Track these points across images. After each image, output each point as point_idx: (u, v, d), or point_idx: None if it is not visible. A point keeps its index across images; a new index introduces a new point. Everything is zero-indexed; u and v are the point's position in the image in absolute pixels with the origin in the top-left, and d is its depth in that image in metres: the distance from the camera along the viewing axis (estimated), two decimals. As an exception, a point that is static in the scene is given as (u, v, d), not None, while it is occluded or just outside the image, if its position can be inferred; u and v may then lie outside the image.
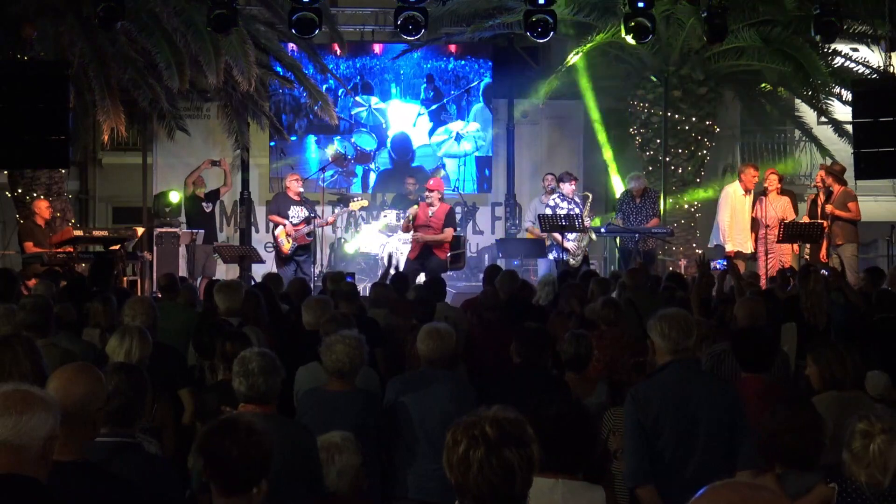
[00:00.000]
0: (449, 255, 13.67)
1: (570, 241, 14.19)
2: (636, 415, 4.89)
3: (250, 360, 4.82)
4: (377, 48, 18.21)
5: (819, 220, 13.70)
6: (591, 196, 14.65)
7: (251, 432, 3.46)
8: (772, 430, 4.45)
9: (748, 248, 14.10)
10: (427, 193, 13.93)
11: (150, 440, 4.78)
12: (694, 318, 7.09)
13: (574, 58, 15.62)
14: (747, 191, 14.14)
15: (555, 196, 14.58)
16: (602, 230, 14.66)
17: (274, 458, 3.56)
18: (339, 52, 17.36)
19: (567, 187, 14.45)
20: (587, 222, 14.20)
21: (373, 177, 18.28)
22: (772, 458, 4.45)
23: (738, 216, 14.15)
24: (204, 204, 15.38)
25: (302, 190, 14.73)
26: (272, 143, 17.80)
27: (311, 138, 18.08)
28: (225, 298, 7.71)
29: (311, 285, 12.46)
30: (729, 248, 14.05)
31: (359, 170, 18.24)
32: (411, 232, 14.01)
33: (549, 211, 14.25)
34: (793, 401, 4.71)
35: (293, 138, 17.73)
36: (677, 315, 5.06)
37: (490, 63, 18.27)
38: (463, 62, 18.30)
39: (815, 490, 4.18)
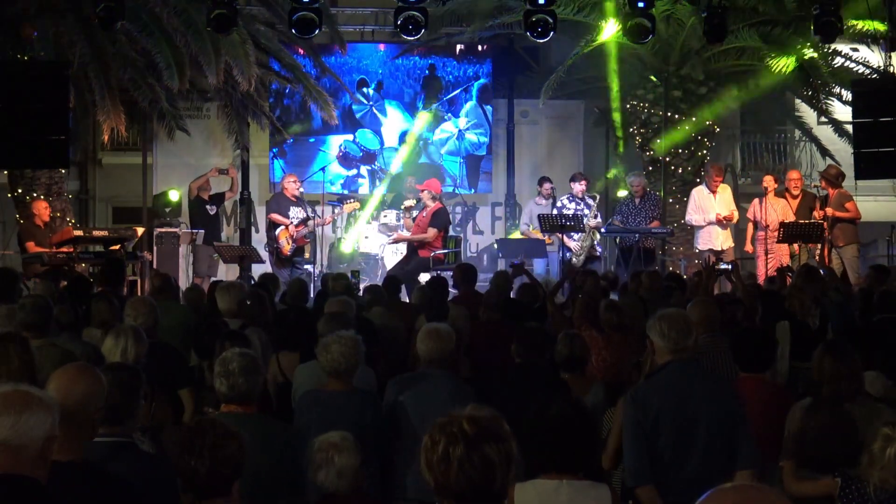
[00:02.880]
0: (433, 254, 13.67)
1: (575, 240, 14.27)
2: (636, 415, 4.89)
3: (231, 360, 4.83)
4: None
5: (819, 220, 13.76)
6: (598, 197, 14.77)
7: (217, 449, 3.46)
8: (806, 434, 4.46)
9: (718, 244, 14.32)
10: (419, 194, 13.97)
11: (143, 439, 4.77)
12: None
13: (573, 58, 15.63)
14: (712, 190, 14.46)
15: (564, 197, 14.69)
16: (602, 230, 14.69)
17: (250, 458, 3.57)
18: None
19: (577, 187, 14.55)
20: (594, 221, 14.31)
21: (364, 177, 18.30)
22: (801, 460, 4.46)
23: (706, 215, 14.42)
24: (208, 206, 15.38)
25: (303, 190, 14.73)
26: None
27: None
28: (226, 299, 7.71)
29: (311, 286, 12.47)
30: (707, 246, 14.38)
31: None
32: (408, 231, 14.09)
33: (555, 211, 14.36)
34: (830, 407, 4.71)
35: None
36: (677, 315, 5.07)
37: (454, 60, 18.22)
38: (427, 61, 18.22)
39: (821, 480, 4.20)
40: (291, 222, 14.29)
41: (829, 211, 13.75)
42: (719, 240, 14.38)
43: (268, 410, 5.77)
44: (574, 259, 14.19)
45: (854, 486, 4.13)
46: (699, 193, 14.60)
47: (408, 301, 10.36)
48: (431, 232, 13.67)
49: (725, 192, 14.66)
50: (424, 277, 12.48)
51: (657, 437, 4.86)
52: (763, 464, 5.06)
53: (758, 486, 2.15)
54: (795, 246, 13.84)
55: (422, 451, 2.81)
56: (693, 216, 14.64)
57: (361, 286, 11.45)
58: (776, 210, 13.97)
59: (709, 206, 14.44)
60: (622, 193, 15.47)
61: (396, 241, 13.89)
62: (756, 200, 14.24)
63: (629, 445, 4.91)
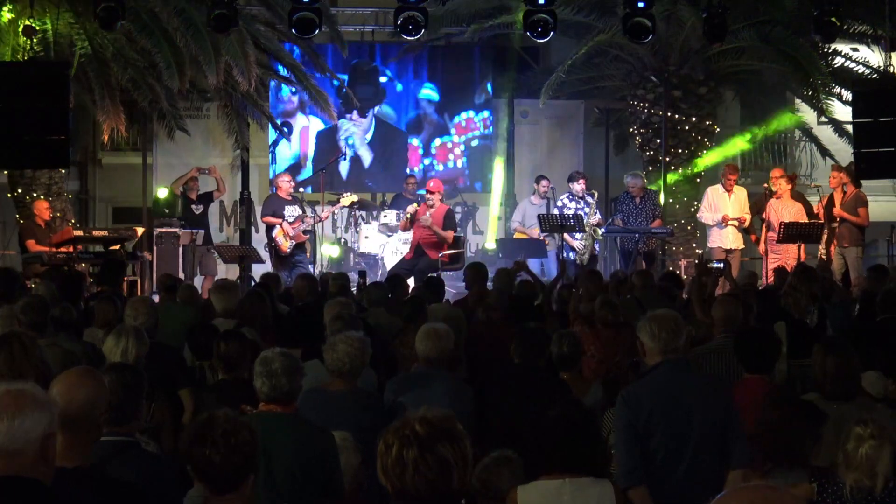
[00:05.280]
0: (441, 255, 13.66)
1: (578, 240, 14.27)
2: (627, 416, 4.89)
3: (273, 360, 4.80)
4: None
5: (821, 221, 13.74)
6: (596, 194, 14.78)
7: (230, 436, 3.45)
8: (758, 427, 4.46)
9: (728, 243, 14.32)
10: (428, 195, 13.94)
11: (147, 441, 4.78)
12: (696, 317, 7.15)
13: (573, 58, 15.62)
14: (727, 189, 14.48)
15: (564, 196, 14.69)
16: (602, 230, 14.69)
17: (284, 452, 3.56)
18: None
19: (577, 186, 14.55)
20: (596, 219, 14.32)
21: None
22: (759, 455, 4.46)
23: (717, 214, 14.45)
24: (193, 206, 15.38)
25: (302, 190, 14.71)
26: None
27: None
28: (221, 299, 7.69)
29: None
30: (717, 244, 14.39)
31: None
32: (409, 231, 14.04)
33: (555, 211, 14.36)
34: (780, 398, 4.72)
35: None
36: (667, 316, 5.06)
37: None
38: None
39: (797, 486, 4.20)
40: (286, 220, 14.27)
41: (837, 211, 13.71)
42: (729, 239, 14.38)
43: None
44: (578, 259, 14.19)
45: (830, 488, 4.13)
46: (714, 192, 14.58)
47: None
48: (450, 234, 13.73)
49: (741, 193, 14.64)
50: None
51: (649, 438, 4.85)
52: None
53: (773, 486, 2.16)
54: (803, 250, 13.79)
55: (377, 456, 2.79)
56: (705, 214, 14.61)
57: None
58: (788, 212, 13.87)
59: (722, 204, 14.43)
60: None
61: (426, 226, 13.71)
62: (770, 202, 14.22)
63: (621, 446, 4.90)
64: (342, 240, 16.84)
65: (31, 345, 4.98)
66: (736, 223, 14.40)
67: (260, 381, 4.79)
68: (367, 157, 18.38)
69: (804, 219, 13.88)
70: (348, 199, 15.37)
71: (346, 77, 17.92)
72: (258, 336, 7.13)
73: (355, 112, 18.13)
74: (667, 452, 4.85)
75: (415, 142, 18.50)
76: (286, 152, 18.07)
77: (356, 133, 18.29)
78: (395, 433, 2.77)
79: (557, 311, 8.44)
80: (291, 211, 14.38)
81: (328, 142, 18.17)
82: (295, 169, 17.70)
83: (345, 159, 17.96)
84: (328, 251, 16.38)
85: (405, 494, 2.76)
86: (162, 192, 15.71)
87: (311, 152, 18.12)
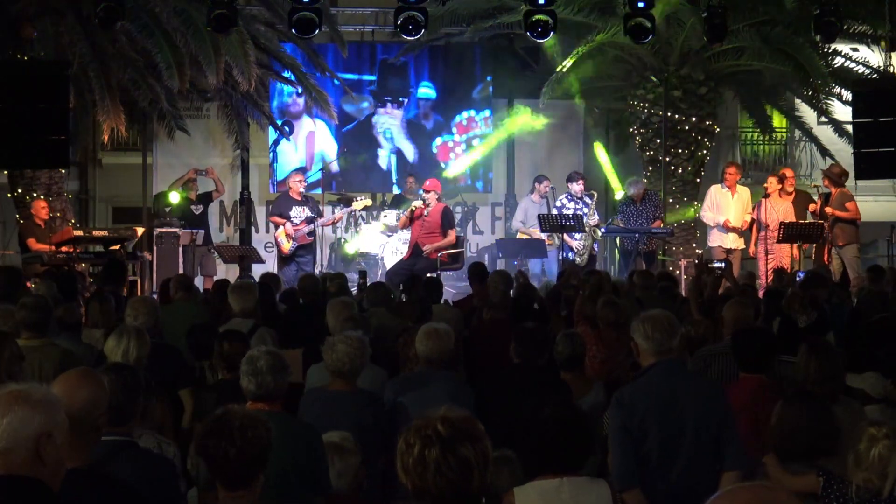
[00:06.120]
0: (439, 255, 13.65)
1: (577, 240, 14.27)
2: (621, 417, 4.87)
3: (258, 358, 4.84)
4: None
5: (819, 221, 13.77)
6: (595, 195, 14.77)
7: (246, 429, 3.50)
8: (782, 426, 4.46)
9: (728, 243, 14.35)
10: (424, 194, 13.93)
11: (168, 441, 4.79)
12: (693, 317, 7.14)
13: (574, 58, 15.62)
14: (729, 188, 14.50)
15: (563, 196, 14.69)
16: (602, 231, 14.70)
17: (274, 450, 3.60)
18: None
19: (575, 186, 14.55)
20: (595, 219, 14.31)
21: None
22: (783, 454, 4.46)
23: (721, 212, 14.44)
24: (193, 207, 15.36)
25: (303, 190, 14.72)
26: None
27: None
28: (239, 300, 7.68)
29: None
30: (717, 243, 14.41)
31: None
32: (409, 230, 14.05)
33: (555, 211, 14.36)
34: (797, 395, 4.71)
35: None
36: (660, 316, 5.04)
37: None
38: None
39: (805, 477, 4.21)
40: (292, 220, 14.25)
41: (828, 210, 13.77)
42: (729, 238, 14.40)
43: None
44: (577, 259, 14.19)
45: (836, 485, 4.14)
46: (716, 191, 14.59)
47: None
48: (451, 234, 13.71)
49: (744, 192, 14.65)
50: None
51: (643, 440, 4.83)
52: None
53: (769, 486, 2.17)
54: (795, 248, 13.82)
55: (397, 454, 2.80)
56: (706, 213, 14.62)
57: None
58: (777, 210, 13.96)
59: (725, 204, 14.44)
60: (619, 195, 15.48)
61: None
62: (760, 201, 14.25)
63: (615, 448, 4.88)
64: (342, 240, 16.83)
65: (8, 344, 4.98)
66: (738, 230, 14.39)
67: (246, 380, 4.82)
68: (409, 151, 18.29)
69: (792, 217, 13.92)
70: (362, 203, 15.36)
71: (375, 76, 18.01)
72: (275, 336, 7.12)
73: (389, 104, 18.10)
74: (661, 454, 4.82)
75: (448, 141, 18.44)
76: (292, 156, 18.00)
77: (394, 125, 18.25)
78: (417, 432, 2.78)
79: (561, 312, 8.43)
80: (298, 212, 14.33)
81: (361, 136, 18.08)
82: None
83: (344, 156, 17.93)
84: (351, 248, 16.38)
85: (426, 494, 2.77)
86: (174, 197, 15.48)
87: (317, 153, 18.04)
